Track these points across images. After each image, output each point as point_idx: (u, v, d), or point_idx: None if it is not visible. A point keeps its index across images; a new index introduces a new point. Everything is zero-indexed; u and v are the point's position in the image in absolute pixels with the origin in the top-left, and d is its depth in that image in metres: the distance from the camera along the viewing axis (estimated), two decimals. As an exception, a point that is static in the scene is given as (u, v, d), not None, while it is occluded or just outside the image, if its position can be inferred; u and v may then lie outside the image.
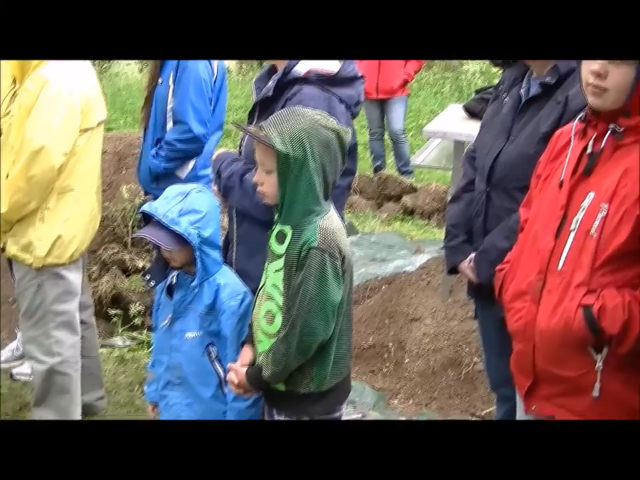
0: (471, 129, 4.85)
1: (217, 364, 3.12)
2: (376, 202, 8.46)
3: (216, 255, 3.09)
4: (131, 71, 15.77)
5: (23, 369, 4.94)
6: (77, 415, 4.21)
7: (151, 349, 5.14)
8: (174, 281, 3.16)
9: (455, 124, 5.29)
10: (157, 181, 4.46)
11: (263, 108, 3.26)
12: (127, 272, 5.69)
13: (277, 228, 2.86)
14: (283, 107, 3.07)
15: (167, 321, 3.17)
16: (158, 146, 4.56)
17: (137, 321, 5.38)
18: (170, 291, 3.19)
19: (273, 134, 2.71)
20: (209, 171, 4.31)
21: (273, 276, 2.87)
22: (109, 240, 5.81)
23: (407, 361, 4.97)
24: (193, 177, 4.32)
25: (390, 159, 9.58)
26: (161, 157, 4.35)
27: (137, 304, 5.42)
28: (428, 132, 5.45)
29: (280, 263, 2.84)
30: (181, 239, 2.98)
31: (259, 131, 2.78)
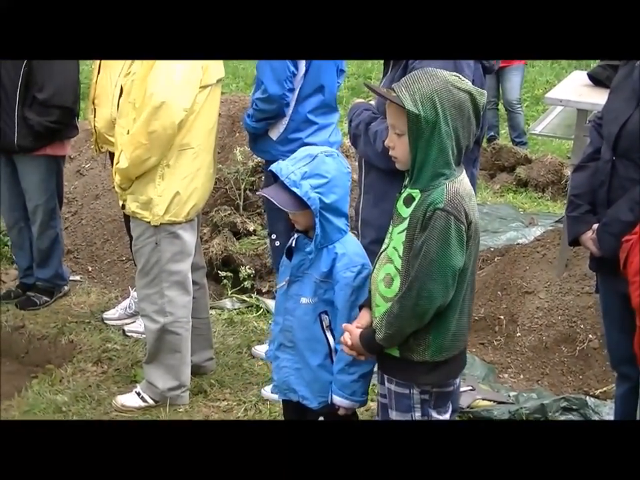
0: (594, 97, 4.67)
1: (328, 333, 3.06)
2: (488, 172, 8.28)
3: (340, 222, 3.01)
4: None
5: (135, 327, 5.02)
6: (186, 375, 4.25)
7: (259, 312, 5.18)
8: (293, 243, 3.11)
9: (578, 92, 5.09)
10: (254, 141, 4.44)
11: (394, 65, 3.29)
12: (238, 235, 5.69)
13: (406, 191, 2.79)
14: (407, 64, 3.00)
15: (284, 283, 3.13)
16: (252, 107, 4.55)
17: (247, 284, 5.39)
18: (290, 253, 3.15)
19: (404, 94, 2.64)
20: (303, 134, 4.30)
21: (396, 238, 2.80)
22: (221, 202, 5.83)
23: (518, 334, 4.84)
24: (285, 139, 4.28)
25: (504, 130, 9.36)
26: (250, 116, 4.33)
27: (247, 267, 5.43)
28: (550, 99, 5.24)
29: (404, 225, 2.77)
30: (302, 202, 2.93)
31: (390, 92, 2.71)
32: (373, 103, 3.61)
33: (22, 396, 4.41)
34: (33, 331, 5.19)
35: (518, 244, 5.83)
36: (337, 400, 3.02)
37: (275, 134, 4.29)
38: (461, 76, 2.74)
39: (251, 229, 5.69)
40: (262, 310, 5.23)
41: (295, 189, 2.91)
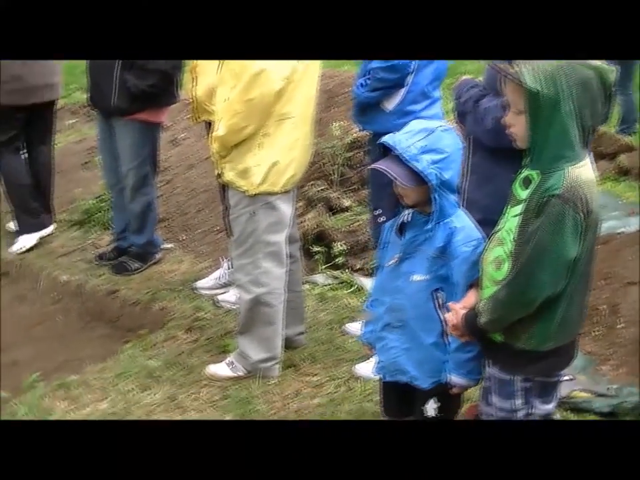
0: None
1: (442, 310, 2.96)
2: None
3: (453, 197, 2.93)
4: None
5: (227, 297, 5.01)
6: (278, 348, 4.21)
7: (352, 289, 5.10)
8: (407, 219, 3.02)
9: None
10: (363, 112, 4.33)
11: None
12: (332, 210, 5.63)
13: (524, 172, 2.68)
14: None
15: (394, 261, 3.03)
16: (367, 76, 4.44)
17: (340, 260, 5.32)
18: (401, 229, 3.05)
19: (524, 70, 2.51)
20: (418, 107, 4.18)
21: (510, 221, 2.69)
22: (316, 177, 5.77)
23: (619, 326, 4.67)
24: (399, 111, 4.16)
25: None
26: (366, 85, 4.22)
27: (341, 243, 5.36)
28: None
29: (520, 208, 2.66)
30: (418, 177, 2.83)
31: (509, 67, 2.59)
32: (480, 79, 3.50)
33: (115, 359, 4.43)
34: (126, 296, 5.24)
35: (620, 233, 5.63)
36: (454, 379, 2.95)
37: (390, 105, 4.18)
38: None
39: (346, 205, 5.62)
40: (354, 287, 5.15)
41: (413, 164, 2.81)
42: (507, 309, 2.69)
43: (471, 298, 2.85)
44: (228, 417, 3.87)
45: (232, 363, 4.25)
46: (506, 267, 2.69)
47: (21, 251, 6.05)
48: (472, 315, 2.79)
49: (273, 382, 4.18)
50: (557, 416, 3.08)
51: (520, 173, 2.71)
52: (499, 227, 2.77)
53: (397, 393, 3.19)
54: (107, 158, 5.57)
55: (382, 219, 3.98)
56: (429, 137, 2.84)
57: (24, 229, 6.12)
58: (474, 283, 2.87)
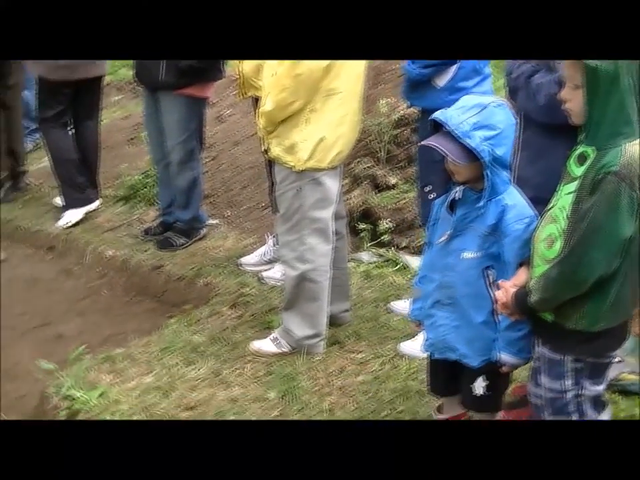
0: None
1: (492, 288, 2.92)
2: None
3: (505, 174, 2.88)
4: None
5: (272, 273, 4.99)
6: (323, 324, 4.19)
7: (397, 267, 5.07)
8: (458, 196, 2.97)
9: None
10: (413, 88, 4.27)
11: None
12: (378, 187, 5.58)
13: (580, 148, 2.62)
14: None
15: (444, 238, 2.99)
16: None
17: (385, 238, 5.28)
18: (452, 206, 3.01)
19: None
20: (469, 83, 4.11)
21: (564, 198, 2.64)
22: (362, 154, 5.72)
23: (671, 308, 4.58)
24: (451, 87, 4.09)
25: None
26: (418, 62, 4.16)
27: (387, 221, 5.31)
28: None
29: (574, 185, 2.60)
30: (470, 153, 2.78)
31: None
32: None
33: (160, 334, 4.44)
34: (171, 271, 5.26)
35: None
36: (504, 357, 2.90)
37: (441, 81, 4.11)
38: None
39: (392, 182, 5.56)
40: (400, 265, 5.11)
41: (466, 140, 2.76)
42: (558, 288, 2.64)
43: (521, 276, 2.80)
44: (272, 393, 3.86)
45: (276, 339, 4.23)
46: (558, 245, 2.64)
47: (67, 225, 6.09)
48: (522, 294, 2.75)
49: (317, 359, 4.16)
50: (606, 398, 3.03)
51: (575, 149, 2.65)
52: (552, 204, 2.72)
53: (445, 371, 3.16)
54: (152, 134, 5.58)
55: (432, 195, 3.92)
56: (482, 112, 2.79)
57: (70, 204, 6.16)
58: (525, 261, 2.82)
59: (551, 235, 2.67)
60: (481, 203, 2.86)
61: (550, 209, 2.72)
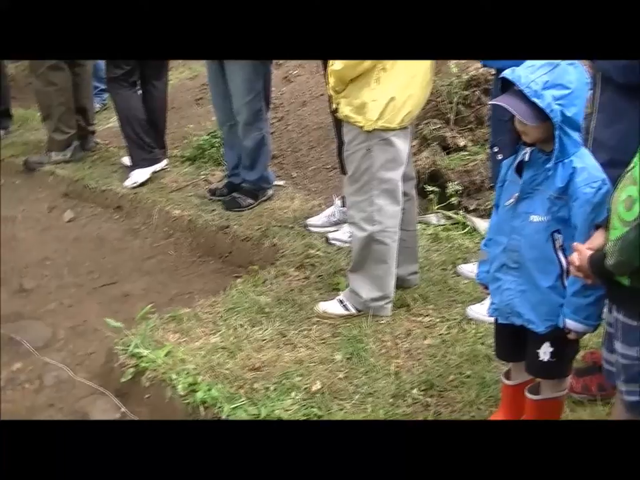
0: None
1: (560, 253, 2.81)
2: None
3: (576, 135, 2.75)
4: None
5: (339, 235, 4.95)
6: (390, 287, 4.14)
7: (466, 230, 4.98)
8: (526, 157, 2.87)
9: None
10: None
11: None
12: (447, 149, 5.48)
13: None
14: None
15: (512, 200, 2.89)
16: None
17: (454, 200, 5.18)
18: (519, 168, 2.91)
19: None
20: None
21: None
22: (431, 115, 5.61)
23: None
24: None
25: None
26: None
27: (455, 183, 5.21)
28: None
29: None
30: (540, 113, 2.66)
31: None
32: None
33: (226, 294, 4.44)
34: (237, 232, 5.24)
35: None
36: (570, 324, 2.80)
37: None
38: None
39: (461, 144, 5.45)
40: (468, 228, 5.02)
41: (536, 100, 2.65)
42: (636, 252, 2.54)
43: (597, 239, 2.70)
44: (338, 355, 3.83)
45: (343, 300, 4.19)
46: (637, 207, 2.53)
47: (134, 185, 6.12)
48: (598, 257, 2.65)
49: (383, 321, 4.11)
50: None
51: None
52: (632, 165, 2.61)
53: (511, 336, 3.07)
54: (217, 96, 5.55)
55: (499, 156, 3.84)
56: (553, 71, 2.67)
57: (137, 164, 6.19)
58: (601, 224, 2.72)
59: (630, 196, 2.56)
60: (549, 165, 2.75)
61: (630, 169, 2.61)
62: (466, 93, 5.52)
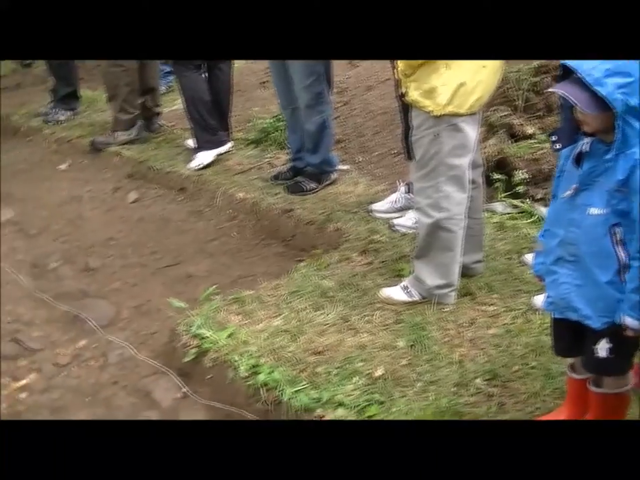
0: None
1: (619, 247, 2.71)
2: None
3: (639, 126, 2.65)
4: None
5: (403, 221, 4.91)
6: (455, 274, 4.09)
7: (532, 219, 4.91)
8: (586, 148, 2.78)
9: None
10: None
11: None
12: (514, 137, 5.40)
13: None
14: None
15: (570, 192, 2.80)
16: None
17: (520, 189, 5.11)
18: (578, 158, 2.83)
19: None
20: None
21: None
22: (499, 102, 5.54)
23: None
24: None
25: None
26: None
27: (522, 171, 5.13)
28: None
29: None
30: (601, 102, 2.57)
31: None
32: None
33: (289, 277, 4.43)
34: (301, 215, 5.24)
35: None
36: (628, 321, 2.72)
37: None
38: None
39: (529, 132, 5.36)
40: (535, 217, 4.95)
41: (597, 88, 2.55)
42: None
43: None
44: (401, 342, 3.80)
45: (407, 287, 4.16)
46: None
47: (199, 167, 6.15)
48: None
49: (447, 309, 4.07)
50: None
51: None
52: None
53: (568, 331, 2.98)
54: (279, 79, 5.54)
55: (557, 145, 3.75)
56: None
57: (202, 146, 6.21)
58: None
59: None
60: (610, 156, 2.66)
61: None
62: (535, 79, 5.44)
